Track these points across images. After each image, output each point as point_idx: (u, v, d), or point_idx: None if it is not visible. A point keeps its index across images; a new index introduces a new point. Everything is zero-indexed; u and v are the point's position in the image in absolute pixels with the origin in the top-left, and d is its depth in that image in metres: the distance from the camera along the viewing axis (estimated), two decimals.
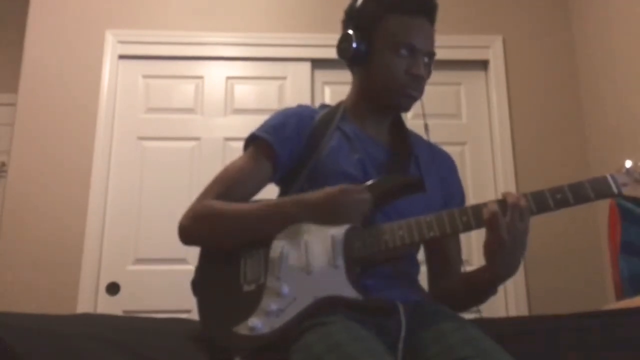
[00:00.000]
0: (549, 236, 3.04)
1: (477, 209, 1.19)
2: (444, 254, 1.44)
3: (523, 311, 2.93)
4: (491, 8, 3.41)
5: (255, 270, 1.22)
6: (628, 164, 1.19)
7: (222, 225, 1.28)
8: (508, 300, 2.99)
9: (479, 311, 1.38)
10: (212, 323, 1.21)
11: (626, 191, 1.17)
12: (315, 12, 3.32)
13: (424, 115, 1.48)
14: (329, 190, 1.23)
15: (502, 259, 1.18)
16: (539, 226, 2.98)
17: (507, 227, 1.14)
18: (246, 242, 1.25)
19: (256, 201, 1.35)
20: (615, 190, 1.17)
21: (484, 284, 1.29)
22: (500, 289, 3.18)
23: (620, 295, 2.30)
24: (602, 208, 2.71)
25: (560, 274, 3.00)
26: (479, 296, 1.33)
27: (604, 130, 3.06)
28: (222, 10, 3.33)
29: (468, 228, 1.19)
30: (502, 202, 1.17)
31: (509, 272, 1.22)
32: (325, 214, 1.22)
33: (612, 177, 1.18)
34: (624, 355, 1.22)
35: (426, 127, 1.48)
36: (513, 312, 2.93)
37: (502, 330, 1.27)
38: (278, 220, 1.24)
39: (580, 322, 1.37)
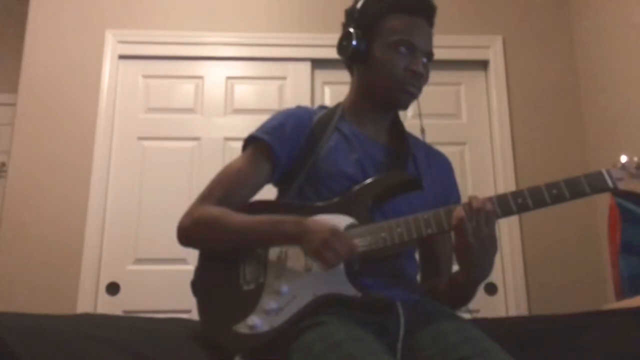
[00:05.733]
0: (549, 236, 3.04)
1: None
2: (434, 255, 1.45)
3: (523, 311, 2.93)
4: (491, 8, 3.41)
5: (254, 270, 1.22)
6: (623, 158, 1.21)
7: (222, 236, 1.28)
8: (508, 300, 2.99)
9: (477, 311, 1.38)
10: (212, 322, 1.21)
11: (622, 185, 1.19)
12: (315, 12, 3.32)
13: (420, 117, 1.49)
14: (325, 223, 1.20)
15: (472, 262, 1.19)
16: (539, 226, 3.02)
17: (473, 231, 1.15)
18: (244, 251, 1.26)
19: (259, 201, 1.36)
20: (610, 184, 1.19)
21: (461, 287, 1.30)
22: (500, 288, 3.17)
23: (620, 295, 2.30)
24: (602, 208, 2.71)
25: (560, 274, 3.00)
26: (459, 298, 1.34)
27: (604, 130, 3.06)
28: (222, 10, 3.33)
29: None
30: (469, 206, 1.17)
31: (481, 274, 1.23)
32: (315, 245, 1.17)
33: (608, 171, 1.20)
34: (623, 355, 1.22)
35: (422, 130, 1.48)
36: (513, 312, 2.93)
37: (502, 330, 1.27)
38: (277, 239, 1.24)
39: (580, 322, 1.37)
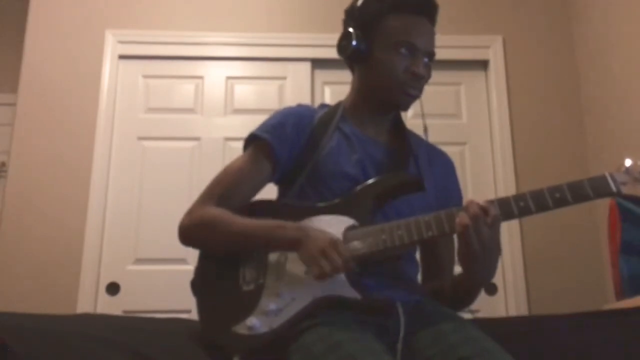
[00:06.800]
0: (549, 236, 3.04)
1: None
2: (436, 256, 1.44)
3: (523, 311, 2.93)
4: (491, 8, 3.41)
5: (254, 271, 1.22)
6: (627, 162, 1.18)
7: (221, 238, 1.28)
8: (508, 300, 2.99)
9: (477, 311, 1.38)
10: (212, 323, 1.21)
11: (625, 190, 1.17)
12: (316, 12, 3.32)
13: (422, 116, 1.48)
14: (326, 232, 1.19)
15: (476, 266, 1.18)
16: (539, 226, 3.02)
17: (477, 237, 1.13)
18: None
19: (260, 201, 1.35)
20: (614, 189, 1.17)
21: (464, 289, 1.30)
22: (501, 288, 3.17)
23: (620, 295, 2.30)
24: (602, 208, 2.71)
25: (560, 274, 3.00)
26: (462, 300, 1.33)
27: (604, 131, 3.06)
28: (222, 10, 3.33)
29: None
30: (472, 211, 1.15)
31: (485, 277, 1.22)
32: (313, 252, 1.17)
33: (611, 175, 1.17)
34: (623, 355, 1.22)
35: (425, 128, 1.48)
36: (513, 312, 2.93)
37: (502, 330, 1.27)
38: (276, 244, 1.23)
39: (580, 322, 1.37)
